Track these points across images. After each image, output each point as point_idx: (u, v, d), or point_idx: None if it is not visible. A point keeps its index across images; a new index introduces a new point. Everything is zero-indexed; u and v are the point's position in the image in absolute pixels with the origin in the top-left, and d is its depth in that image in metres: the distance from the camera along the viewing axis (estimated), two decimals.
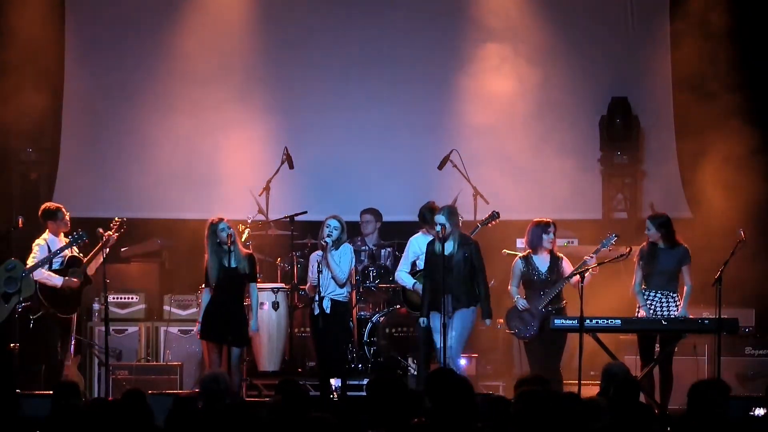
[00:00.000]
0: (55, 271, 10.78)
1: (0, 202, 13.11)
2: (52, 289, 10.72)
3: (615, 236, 10.51)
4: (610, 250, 10.56)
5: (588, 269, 10.14)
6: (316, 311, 10.49)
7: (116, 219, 10.92)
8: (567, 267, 10.44)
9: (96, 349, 11.83)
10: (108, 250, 10.79)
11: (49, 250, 10.76)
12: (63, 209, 10.95)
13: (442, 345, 10.03)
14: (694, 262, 10.35)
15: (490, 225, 11.23)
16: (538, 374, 7.29)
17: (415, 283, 10.79)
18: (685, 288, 10.23)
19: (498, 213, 11.22)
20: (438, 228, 10.14)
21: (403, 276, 10.96)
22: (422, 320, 10.30)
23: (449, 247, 10.22)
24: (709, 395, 6.67)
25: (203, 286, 10.59)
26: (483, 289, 10.22)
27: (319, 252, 10.59)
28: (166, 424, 6.57)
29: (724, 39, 12.68)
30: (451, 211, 10.28)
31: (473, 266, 10.19)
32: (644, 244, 10.37)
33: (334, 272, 10.45)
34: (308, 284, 10.75)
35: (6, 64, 12.58)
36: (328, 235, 10.50)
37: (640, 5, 13.41)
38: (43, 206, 11.04)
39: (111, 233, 10.77)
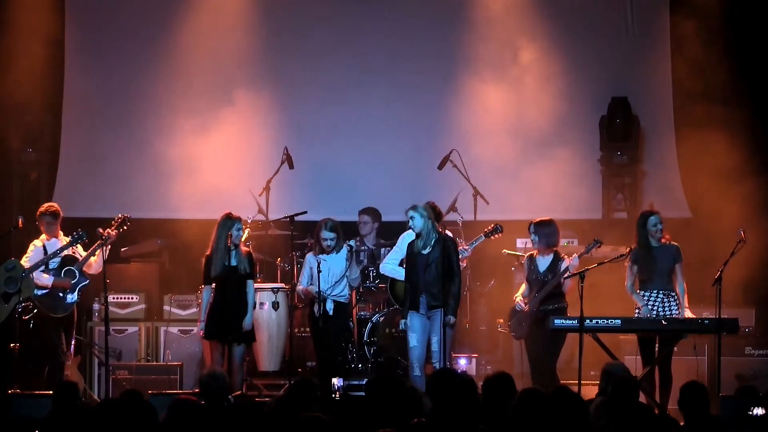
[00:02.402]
0: (51, 271, 10.78)
1: (0, 202, 13.11)
2: (43, 288, 10.74)
3: (598, 243, 10.55)
4: (592, 255, 10.59)
5: (569, 274, 10.19)
6: (319, 312, 10.51)
7: (118, 215, 10.91)
8: (572, 263, 10.42)
9: (96, 349, 11.83)
10: (110, 247, 10.77)
11: (45, 252, 10.78)
12: (53, 213, 10.87)
13: (416, 344, 10.19)
14: (694, 263, 10.35)
15: (492, 238, 11.24)
16: (502, 371, 7.29)
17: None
18: (678, 287, 10.22)
19: (501, 227, 11.22)
20: (410, 222, 10.24)
21: (392, 267, 10.99)
22: (403, 322, 10.37)
23: (423, 244, 10.25)
24: (695, 397, 6.71)
25: (203, 284, 10.59)
26: (455, 288, 10.25)
27: (312, 255, 10.63)
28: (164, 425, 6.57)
29: (723, 39, 12.68)
30: (426, 207, 10.30)
31: (450, 264, 10.21)
32: (634, 245, 10.34)
33: (352, 276, 10.54)
34: (300, 287, 10.79)
35: (6, 64, 12.57)
36: (329, 246, 10.57)
37: (640, 5, 13.42)
38: (42, 208, 11.04)
39: (110, 230, 10.75)
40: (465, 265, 11.20)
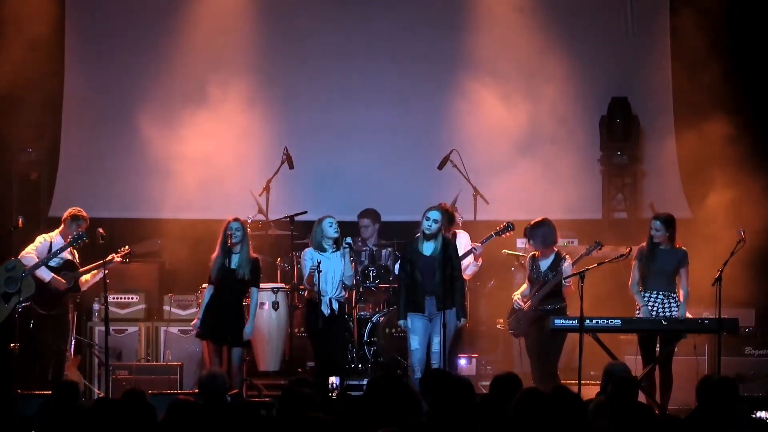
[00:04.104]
0: (51, 269, 10.79)
1: (0, 202, 13.10)
2: (39, 282, 10.74)
3: (599, 245, 10.56)
4: (592, 256, 10.58)
5: (567, 277, 10.18)
6: (327, 312, 10.45)
7: (125, 247, 10.94)
8: (565, 268, 10.42)
9: (96, 349, 11.83)
10: (107, 271, 10.76)
11: (50, 249, 10.79)
12: (87, 221, 10.94)
13: (417, 347, 10.16)
14: (694, 263, 10.34)
15: (503, 236, 11.23)
16: (510, 372, 7.31)
17: None
18: (681, 292, 10.21)
19: (513, 225, 11.19)
20: (428, 223, 10.15)
21: None
22: (402, 322, 10.32)
23: (431, 248, 10.23)
24: (720, 394, 6.67)
25: (205, 284, 10.58)
26: (459, 289, 10.24)
27: (311, 250, 10.56)
28: (163, 426, 6.57)
29: (724, 39, 12.69)
30: (444, 213, 10.30)
31: (452, 267, 10.18)
32: (643, 244, 10.35)
33: (347, 273, 10.46)
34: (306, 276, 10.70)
35: (6, 64, 12.57)
36: (336, 232, 10.49)
37: (640, 5, 13.42)
38: (74, 209, 11.01)
39: (116, 256, 10.80)
40: (479, 262, 11.18)
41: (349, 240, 10.54)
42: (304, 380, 7.26)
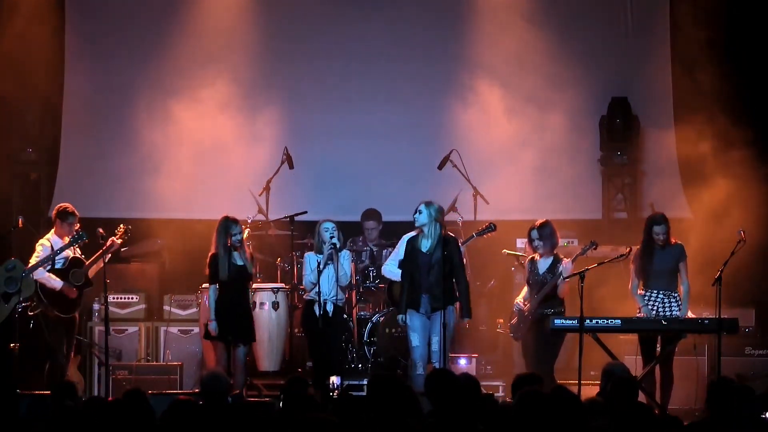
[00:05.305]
0: (58, 271, 10.76)
1: (0, 202, 13.10)
2: (50, 290, 10.73)
3: (594, 245, 10.54)
4: (587, 256, 10.58)
5: (564, 277, 10.17)
6: (318, 313, 10.46)
7: (121, 226, 10.93)
8: (565, 267, 10.40)
9: (96, 349, 11.83)
10: (110, 255, 10.78)
11: (52, 250, 10.76)
12: (77, 215, 10.89)
13: (418, 344, 10.17)
14: (695, 263, 10.34)
15: (485, 237, 11.23)
16: (533, 373, 7.34)
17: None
18: (682, 287, 10.21)
19: (494, 225, 11.21)
20: (415, 215, 10.23)
21: (392, 269, 10.94)
22: (400, 317, 10.33)
23: (429, 245, 10.24)
24: (732, 400, 6.66)
25: (207, 284, 10.56)
26: (463, 287, 10.23)
27: (313, 254, 10.57)
28: (162, 425, 6.57)
29: (723, 39, 12.69)
30: (439, 209, 10.30)
31: (452, 264, 10.17)
32: (638, 246, 10.34)
33: (340, 273, 10.44)
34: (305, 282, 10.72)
35: (6, 64, 12.58)
36: (331, 237, 10.50)
37: (640, 5, 13.42)
38: (59, 206, 10.99)
39: (115, 239, 10.78)
40: (467, 263, 11.18)
41: (335, 241, 10.55)
42: (301, 380, 7.26)
